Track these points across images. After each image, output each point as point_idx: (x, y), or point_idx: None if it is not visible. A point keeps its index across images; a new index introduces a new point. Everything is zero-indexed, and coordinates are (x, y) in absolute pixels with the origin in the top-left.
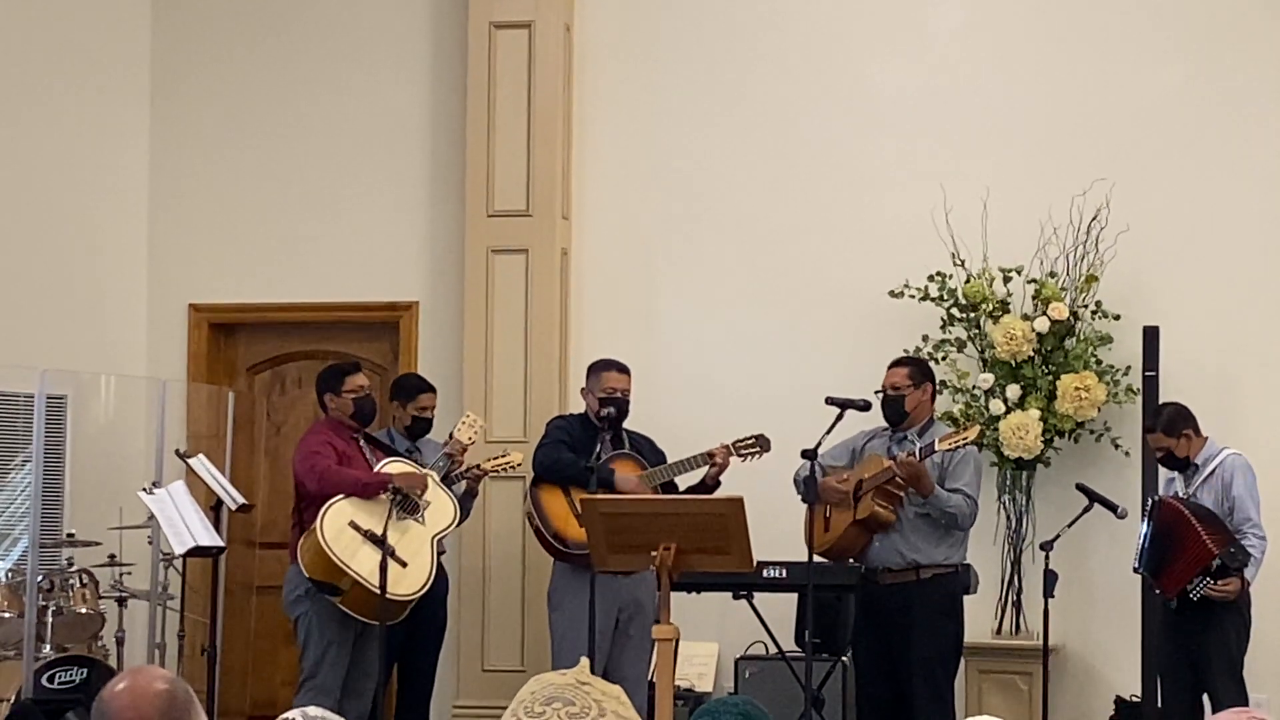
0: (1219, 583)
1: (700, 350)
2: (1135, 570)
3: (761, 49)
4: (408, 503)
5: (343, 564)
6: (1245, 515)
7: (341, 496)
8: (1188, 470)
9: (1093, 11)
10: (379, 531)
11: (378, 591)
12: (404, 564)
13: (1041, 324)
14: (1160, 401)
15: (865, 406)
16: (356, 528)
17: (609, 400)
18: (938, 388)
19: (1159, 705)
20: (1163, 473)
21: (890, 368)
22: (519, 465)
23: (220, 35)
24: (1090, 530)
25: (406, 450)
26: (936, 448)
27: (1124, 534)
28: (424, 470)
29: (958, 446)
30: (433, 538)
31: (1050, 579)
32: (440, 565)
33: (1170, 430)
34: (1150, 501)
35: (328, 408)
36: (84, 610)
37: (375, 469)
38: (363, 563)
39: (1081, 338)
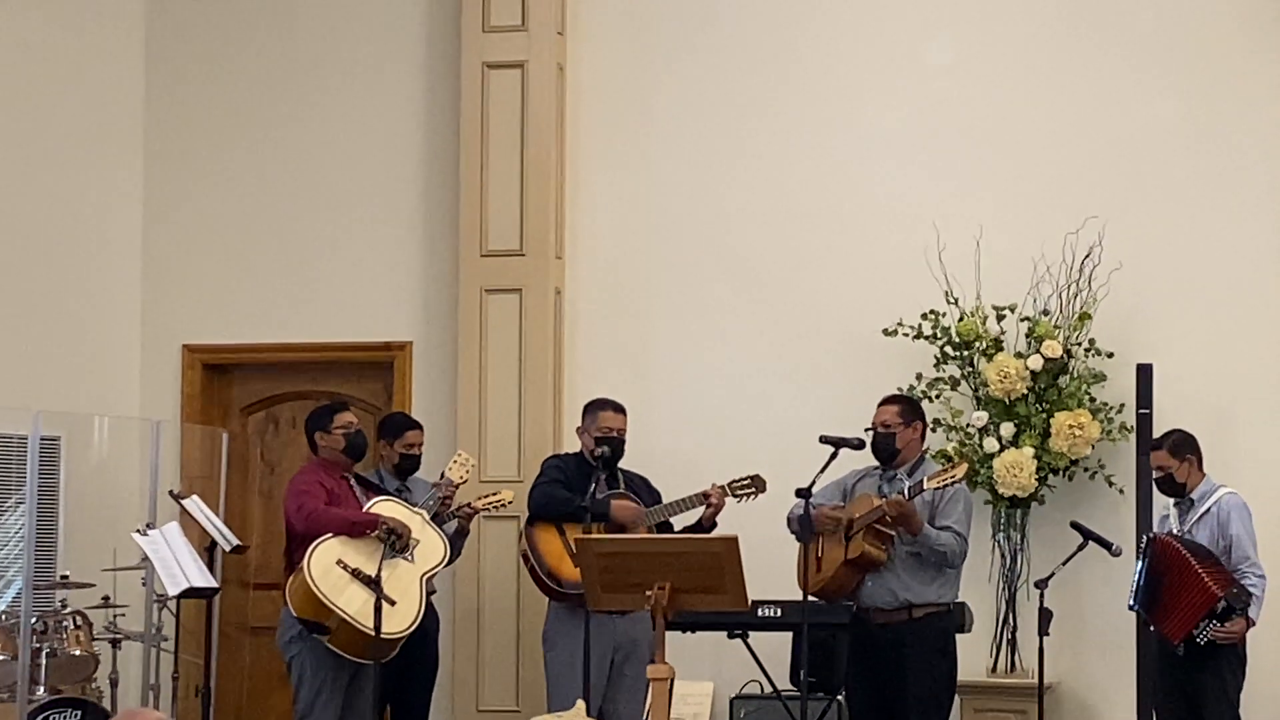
0: (1225, 625)
1: (694, 389)
2: (1130, 608)
3: (754, 88)
4: (398, 541)
5: (330, 603)
6: (1244, 554)
7: (330, 535)
8: (1183, 501)
9: (1085, 49)
10: (367, 570)
11: (365, 630)
12: (392, 602)
13: (1035, 362)
14: (1156, 437)
15: (859, 445)
16: (344, 566)
17: (604, 440)
18: (932, 426)
19: None
20: (1156, 510)
21: (880, 405)
22: (510, 503)
23: (214, 77)
24: (1085, 568)
25: (396, 489)
26: (925, 486)
27: (1119, 572)
28: (414, 509)
29: (946, 484)
30: (421, 576)
31: (1045, 617)
32: (430, 604)
33: (1176, 452)
34: (1145, 539)
35: (318, 447)
36: (78, 652)
37: (365, 508)
38: (350, 601)
39: (1075, 375)
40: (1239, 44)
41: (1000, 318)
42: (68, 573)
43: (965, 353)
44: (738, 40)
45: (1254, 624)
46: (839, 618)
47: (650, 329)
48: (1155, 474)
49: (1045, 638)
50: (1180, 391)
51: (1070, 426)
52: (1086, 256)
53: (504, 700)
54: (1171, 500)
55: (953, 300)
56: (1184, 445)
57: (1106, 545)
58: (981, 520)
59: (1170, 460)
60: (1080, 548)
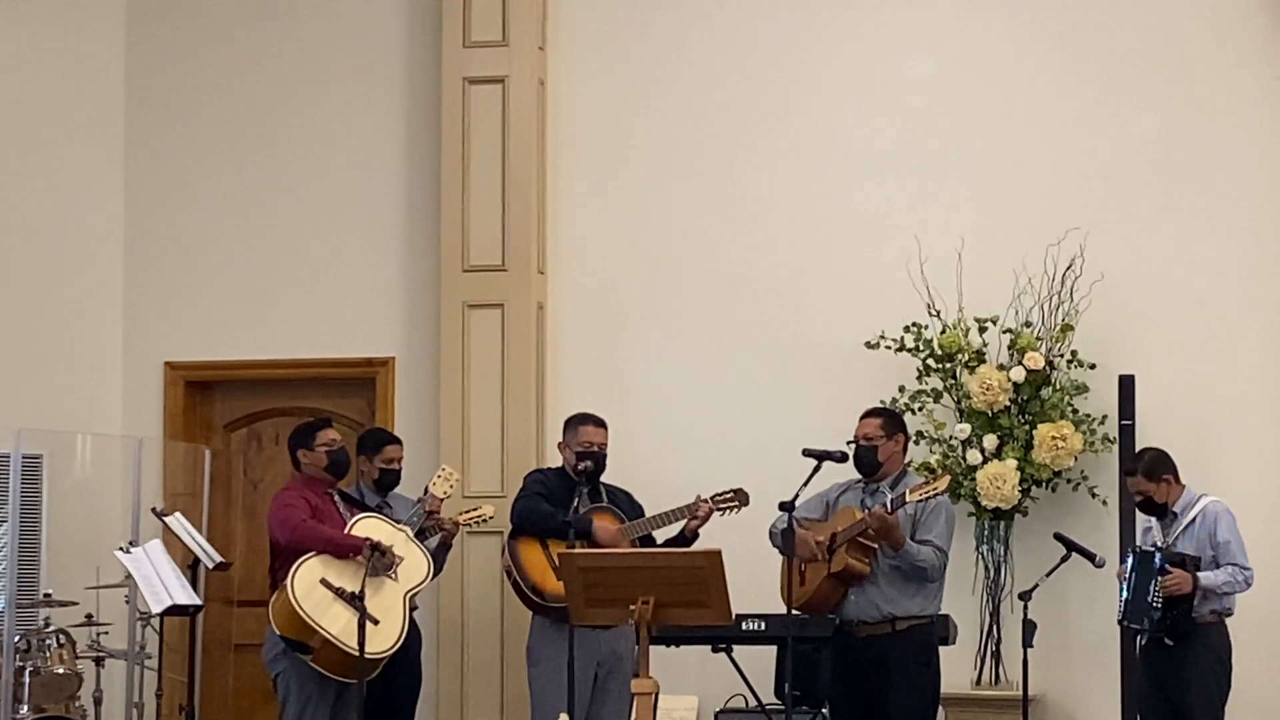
0: (1167, 576)
1: (676, 403)
2: (1120, 622)
3: (735, 102)
4: (381, 560)
5: (313, 622)
6: (1230, 559)
7: (312, 554)
8: (1166, 517)
9: (1066, 61)
10: (350, 588)
11: (349, 650)
12: (375, 621)
13: (1017, 374)
14: (1138, 449)
15: (842, 458)
16: (328, 585)
17: (586, 454)
18: (914, 438)
19: None
20: (1139, 521)
21: (862, 419)
22: (491, 518)
23: (194, 93)
24: (1068, 579)
25: (377, 505)
26: (907, 499)
27: (1102, 583)
28: (398, 525)
29: (928, 497)
30: (405, 594)
31: (1029, 629)
32: (413, 621)
33: (1150, 474)
34: (1132, 554)
35: (301, 464)
36: (61, 670)
37: (348, 525)
38: (333, 621)
39: (1057, 387)
40: (1220, 57)
41: (982, 330)
42: (50, 591)
43: (947, 365)
44: (718, 55)
45: (1200, 586)
46: (823, 631)
47: (632, 343)
48: (1135, 499)
49: (1029, 649)
50: (1162, 402)
51: (1053, 438)
52: (1068, 268)
53: (488, 715)
54: None
55: (935, 312)
56: (1157, 465)
57: (1090, 557)
58: (965, 532)
59: (1147, 485)
60: (1064, 559)
